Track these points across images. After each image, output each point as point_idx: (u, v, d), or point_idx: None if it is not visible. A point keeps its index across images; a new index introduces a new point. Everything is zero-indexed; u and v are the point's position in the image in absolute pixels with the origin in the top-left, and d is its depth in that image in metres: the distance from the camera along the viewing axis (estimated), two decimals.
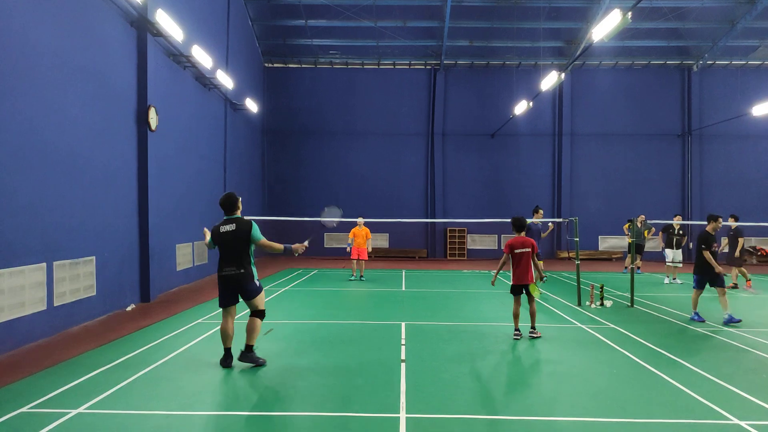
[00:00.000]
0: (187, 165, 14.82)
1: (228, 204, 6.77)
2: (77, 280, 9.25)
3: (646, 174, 24.71)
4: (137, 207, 11.70)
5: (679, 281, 15.63)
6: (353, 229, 15.91)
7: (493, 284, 8.62)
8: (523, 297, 8.38)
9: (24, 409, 5.18)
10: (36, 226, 8.15)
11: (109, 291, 10.39)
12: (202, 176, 16.21)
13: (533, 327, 8.34)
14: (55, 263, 8.59)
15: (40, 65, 8.35)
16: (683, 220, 23.93)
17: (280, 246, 6.77)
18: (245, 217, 6.77)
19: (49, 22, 8.56)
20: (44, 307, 8.29)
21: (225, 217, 6.77)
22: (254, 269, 6.73)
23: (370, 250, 15.97)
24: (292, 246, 6.81)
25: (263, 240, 6.66)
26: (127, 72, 11.30)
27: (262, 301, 6.82)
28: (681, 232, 15.59)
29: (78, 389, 5.79)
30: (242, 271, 6.55)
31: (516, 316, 8.38)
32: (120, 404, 5.36)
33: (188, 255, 14.89)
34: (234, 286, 6.61)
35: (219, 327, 6.95)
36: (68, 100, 9.11)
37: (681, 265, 15.72)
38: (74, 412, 5.13)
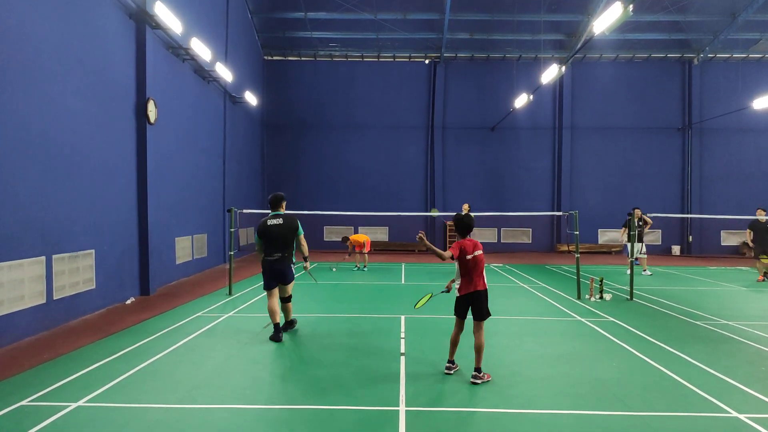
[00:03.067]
0: (186, 158, 14.79)
1: (274, 200, 8.20)
2: (76, 273, 9.24)
3: (646, 167, 24.68)
4: (136, 200, 11.68)
5: (648, 272, 15.87)
6: (351, 237, 17.03)
7: (447, 290, 6.68)
8: (468, 321, 6.18)
9: (24, 403, 5.18)
10: (35, 219, 8.13)
11: (109, 284, 10.39)
12: (202, 169, 16.19)
13: (478, 368, 5.93)
14: (54, 256, 8.58)
15: (39, 58, 8.30)
16: (683, 213, 23.99)
17: (307, 252, 8.36)
18: (289, 212, 8.13)
19: (47, 15, 8.50)
20: (43, 301, 8.29)
21: (272, 213, 8.05)
22: (294, 258, 8.03)
23: (364, 251, 16.93)
24: (308, 260, 8.50)
25: (303, 236, 8.12)
26: (126, 65, 11.25)
27: (291, 287, 8.11)
28: (641, 223, 15.66)
29: (77, 382, 5.79)
30: (285, 255, 7.82)
31: (453, 344, 6.25)
32: (119, 398, 5.37)
33: (187, 248, 14.88)
34: (277, 269, 7.79)
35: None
36: (67, 93, 9.07)
37: (646, 256, 16.14)
38: (74, 405, 5.13)
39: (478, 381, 5.88)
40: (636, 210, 15.78)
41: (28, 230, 7.96)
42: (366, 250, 16.65)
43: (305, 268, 8.48)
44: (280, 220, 7.92)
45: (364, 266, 16.93)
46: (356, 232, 24.65)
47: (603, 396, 5.50)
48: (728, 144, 24.44)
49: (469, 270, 6.06)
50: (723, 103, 23.67)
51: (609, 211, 24.03)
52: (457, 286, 6.18)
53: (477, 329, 6.03)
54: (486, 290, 6.12)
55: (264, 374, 6.21)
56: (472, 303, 6.06)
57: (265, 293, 8.07)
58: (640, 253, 15.73)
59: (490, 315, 6.10)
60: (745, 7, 21.38)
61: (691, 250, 24.36)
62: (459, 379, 6.02)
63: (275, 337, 7.69)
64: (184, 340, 7.65)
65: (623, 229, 16.13)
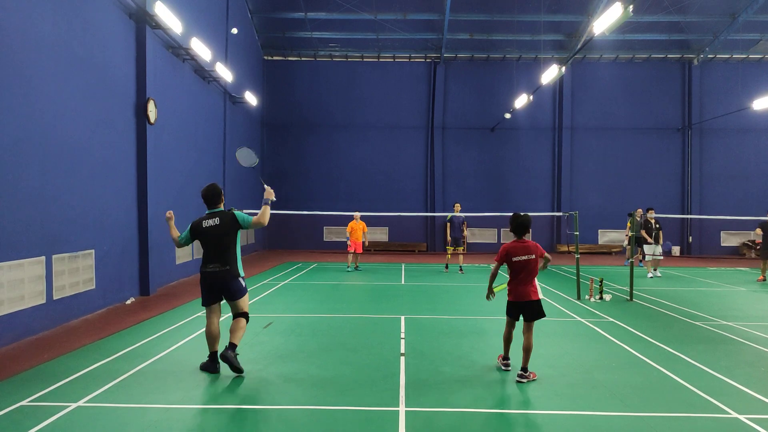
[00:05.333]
0: (186, 158, 14.79)
1: (211, 195, 6.21)
2: (76, 273, 9.24)
3: (646, 168, 24.69)
4: (136, 200, 11.68)
5: (659, 274, 15.50)
6: (350, 223, 16.68)
7: (488, 298, 6.53)
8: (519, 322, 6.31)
9: (23, 403, 5.18)
10: (35, 219, 8.13)
11: (109, 284, 10.39)
12: (201, 169, 16.18)
13: (525, 368, 5.98)
14: (54, 256, 8.58)
15: (40, 57, 8.30)
16: (683, 214, 24.01)
17: (268, 209, 6.23)
18: (227, 210, 6.27)
19: (48, 14, 8.50)
20: (43, 301, 8.29)
21: (208, 211, 6.25)
22: (240, 267, 6.26)
23: (366, 241, 16.83)
24: (266, 195, 6.32)
25: (254, 219, 6.17)
26: (126, 64, 11.25)
27: (246, 303, 6.35)
28: (658, 225, 15.45)
29: (77, 382, 5.79)
30: (227, 267, 6.08)
31: (507, 342, 6.39)
32: (119, 397, 5.36)
33: (187, 248, 14.88)
34: (218, 284, 6.11)
35: (227, 315, 6.78)
36: (67, 93, 9.07)
37: (662, 257, 15.69)
38: (74, 405, 5.13)
39: (524, 380, 5.92)
40: (651, 210, 15.65)
41: (28, 230, 7.95)
42: (359, 250, 16.59)
43: (270, 195, 6.35)
44: (216, 220, 6.10)
45: (356, 266, 16.96)
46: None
47: (603, 396, 5.50)
48: (728, 144, 24.45)
49: (516, 273, 6.16)
50: (723, 103, 23.68)
51: (609, 212, 24.05)
52: (508, 289, 6.27)
53: (527, 329, 6.12)
54: (539, 300, 6.16)
55: (264, 374, 6.20)
56: (523, 309, 6.17)
57: (205, 310, 6.29)
58: (656, 255, 15.33)
59: (545, 316, 6.22)
60: (745, 7, 21.41)
61: (690, 251, 24.37)
62: (459, 379, 6.02)
63: (208, 366, 6.18)
64: (184, 341, 7.65)
65: (643, 230, 15.61)
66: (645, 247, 15.51)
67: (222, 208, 6.33)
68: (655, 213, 15.78)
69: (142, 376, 6.02)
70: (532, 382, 5.92)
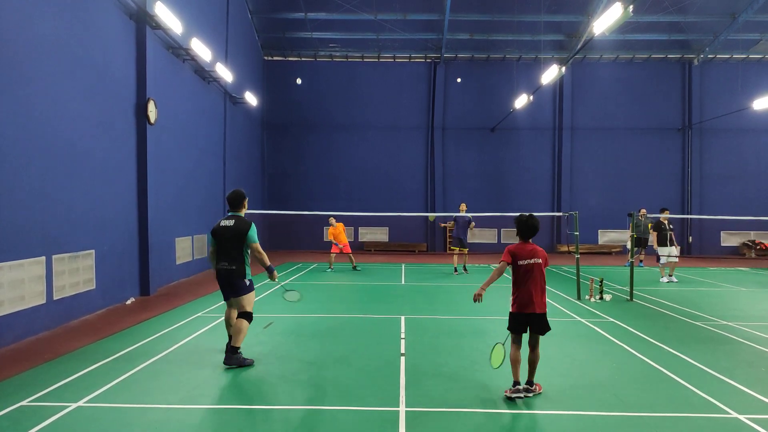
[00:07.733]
0: (186, 158, 14.79)
1: (232, 199, 6.90)
2: (77, 273, 9.24)
3: (646, 168, 24.69)
4: (136, 200, 11.69)
5: (675, 279, 14.74)
6: (330, 230, 16.98)
7: (475, 300, 5.56)
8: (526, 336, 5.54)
9: (24, 403, 5.18)
10: (35, 219, 8.14)
11: (109, 284, 10.39)
12: (202, 170, 16.19)
13: (530, 381, 5.45)
14: (54, 257, 8.58)
15: (40, 58, 8.30)
16: (683, 214, 24.00)
17: (268, 261, 6.67)
18: (246, 218, 6.82)
19: (48, 15, 8.51)
20: (44, 301, 8.29)
21: (229, 213, 6.87)
22: (248, 269, 6.62)
23: (346, 242, 17.06)
24: (274, 272, 6.84)
25: (257, 244, 6.60)
26: (126, 65, 11.26)
27: (250, 302, 6.64)
28: (671, 227, 14.97)
29: (78, 383, 5.79)
30: (234, 267, 6.50)
31: (515, 363, 5.47)
32: (120, 398, 5.37)
33: (187, 248, 14.89)
34: (225, 280, 6.59)
35: (221, 319, 7.33)
36: (68, 93, 9.08)
37: (677, 259, 14.97)
38: (74, 405, 5.13)
39: (530, 394, 5.40)
40: (666, 211, 15.16)
41: (28, 230, 7.96)
42: (347, 251, 16.71)
43: (272, 279, 6.85)
44: (231, 222, 6.62)
45: (354, 266, 16.92)
46: (356, 231, 24.65)
47: (603, 396, 5.50)
48: (728, 144, 24.46)
49: (521, 279, 5.46)
50: (723, 103, 23.67)
51: (609, 212, 24.04)
52: (511, 298, 5.55)
53: (533, 342, 5.47)
54: (544, 314, 5.45)
55: (264, 375, 6.21)
56: (529, 322, 5.45)
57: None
58: (671, 257, 14.72)
59: (550, 329, 5.53)
60: (745, 7, 21.41)
61: (691, 251, 24.36)
62: (459, 379, 6.02)
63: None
64: (184, 341, 7.65)
65: (655, 232, 15.05)
66: (659, 249, 14.91)
67: (242, 213, 6.88)
68: (652, 213, 15.40)
69: (143, 376, 6.03)
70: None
